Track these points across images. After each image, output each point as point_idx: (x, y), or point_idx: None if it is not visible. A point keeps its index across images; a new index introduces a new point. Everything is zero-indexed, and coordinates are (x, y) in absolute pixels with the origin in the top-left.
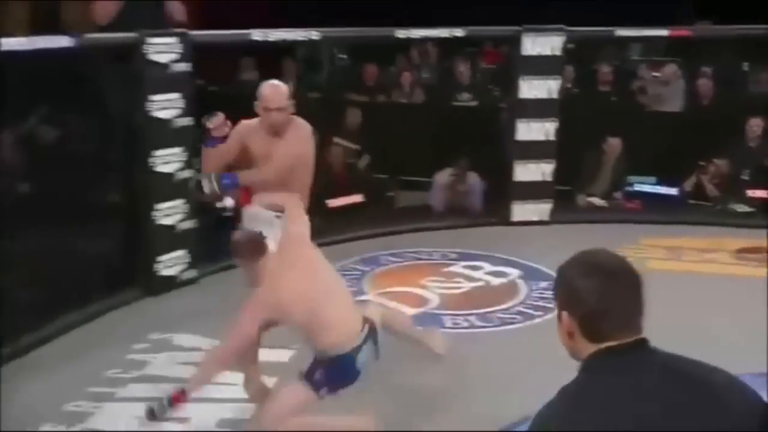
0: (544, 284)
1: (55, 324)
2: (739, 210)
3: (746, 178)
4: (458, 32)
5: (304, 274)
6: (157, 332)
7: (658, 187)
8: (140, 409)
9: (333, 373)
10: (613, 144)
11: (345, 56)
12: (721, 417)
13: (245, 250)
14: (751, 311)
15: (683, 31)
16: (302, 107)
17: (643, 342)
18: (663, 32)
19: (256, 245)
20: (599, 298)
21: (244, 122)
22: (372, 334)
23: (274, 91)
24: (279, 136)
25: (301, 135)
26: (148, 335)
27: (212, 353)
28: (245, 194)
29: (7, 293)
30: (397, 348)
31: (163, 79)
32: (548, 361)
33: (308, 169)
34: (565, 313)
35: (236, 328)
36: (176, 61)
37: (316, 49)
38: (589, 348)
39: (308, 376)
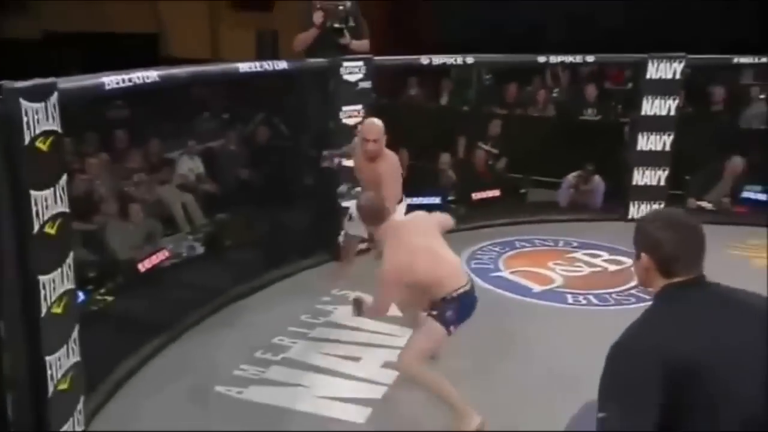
0: None
1: (266, 276)
2: None
3: None
4: (590, 58)
5: (417, 236)
6: (338, 289)
7: (764, 195)
8: (324, 347)
9: (461, 309)
10: (736, 163)
11: (490, 77)
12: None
13: (368, 214)
14: None
15: None
16: (454, 118)
17: (704, 278)
18: None
19: (378, 210)
20: (674, 244)
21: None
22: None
23: (370, 126)
24: (373, 161)
25: (389, 162)
26: (332, 291)
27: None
28: None
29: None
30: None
31: (352, 94)
32: None
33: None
34: (644, 255)
35: (378, 296)
36: (362, 80)
37: (467, 71)
38: (662, 282)
39: (440, 317)
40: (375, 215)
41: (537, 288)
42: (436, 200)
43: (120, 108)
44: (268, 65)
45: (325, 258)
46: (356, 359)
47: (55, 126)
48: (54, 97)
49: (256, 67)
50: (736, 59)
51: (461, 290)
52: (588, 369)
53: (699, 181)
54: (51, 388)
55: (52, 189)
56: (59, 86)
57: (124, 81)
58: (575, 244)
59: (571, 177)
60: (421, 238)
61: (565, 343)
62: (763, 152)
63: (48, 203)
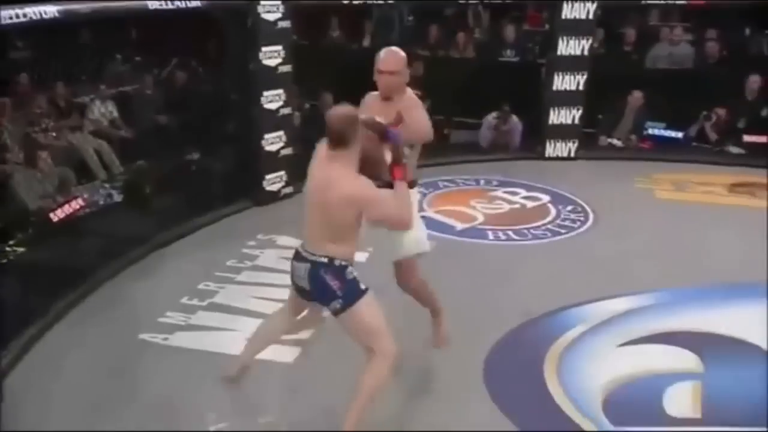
0: (569, 208)
1: (189, 224)
2: (734, 152)
3: (742, 125)
4: None
5: None
6: (263, 234)
7: (668, 132)
8: (252, 291)
9: None
10: (636, 96)
11: (412, 18)
12: None
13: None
14: (739, 232)
15: (698, 1)
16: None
17: None
18: (680, 1)
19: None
20: None
21: (371, 93)
22: None
23: (388, 55)
24: (391, 100)
25: (412, 103)
26: (257, 236)
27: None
28: None
29: (154, 199)
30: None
31: (271, 34)
32: (568, 268)
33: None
34: None
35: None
36: (280, 19)
37: (389, 12)
38: None
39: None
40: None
41: (460, 226)
42: None
43: (22, 49)
44: (180, 2)
45: (248, 204)
46: (283, 301)
47: None
48: None
49: (167, 4)
50: (643, 0)
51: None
52: (508, 299)
53: (608, 119)
54: None
55: None
56: None
57: (17, 16)
58: (495, 183)
59: (491, 117)
60: None
61: (485, 276)
62: (666, 90)
63: None
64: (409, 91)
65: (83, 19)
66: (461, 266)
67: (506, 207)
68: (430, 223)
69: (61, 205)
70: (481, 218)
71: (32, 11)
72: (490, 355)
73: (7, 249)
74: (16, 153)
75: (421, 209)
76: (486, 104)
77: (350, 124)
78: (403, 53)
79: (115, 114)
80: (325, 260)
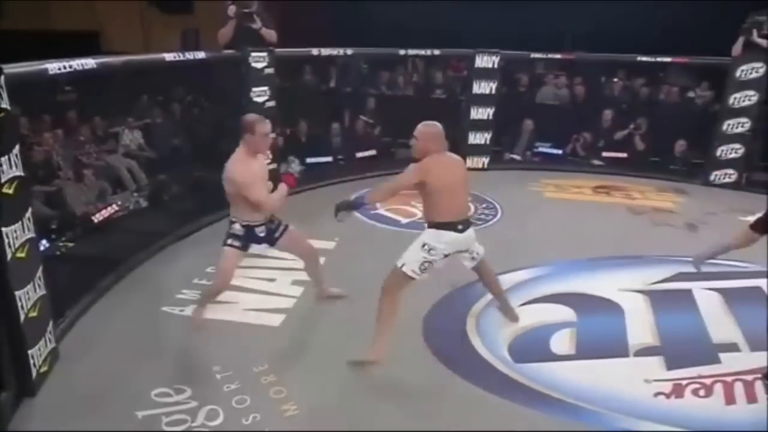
0: (484, 205)
1: (198, 222)
2: (596, 163)
3: (601, 145)
4: (437, 52)
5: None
6: None
7: (551, 149)
8: (248, 273)
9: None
10: (528, 123)
11: (366, 66)
12: None
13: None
14: (602, 220)
15: (570, 56)
16: (340, 97)
17: None
18: (557, 56)
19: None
20: None
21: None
22: None
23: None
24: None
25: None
26: None
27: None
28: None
29: (172, 204)
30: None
31: (259, 78)
32: (486, 249)
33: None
34: None
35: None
36: (266, 67)
37: (350, 61)
38: None
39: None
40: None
41: (404, 220)
42: (329, 159)
43: (70, 92)
44: (190, 55)
45: None
46: (272, 279)
47: (4, 104)
48: (1, 80)
49: (179, 57)
50: (532, 55)
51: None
52: (440, 274)
53: (510, 140)
54: (22, 316)
55: (7, 156)
56: (5, 71)
57: (65, 67)
58: None
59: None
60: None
61: None
62: (550, 119)
63: (4, 168)
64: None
65: (115, 69)
66: (404, 250)
67: None
68: (380, 217)
69: (100, 210)
70: (419, 214)
71: (76, 63)
72: (427, 315)
73: (60, 244)
74: (66, 171)
75: (374, 207)
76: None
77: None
78: (429, 127)
79: (141, 140)
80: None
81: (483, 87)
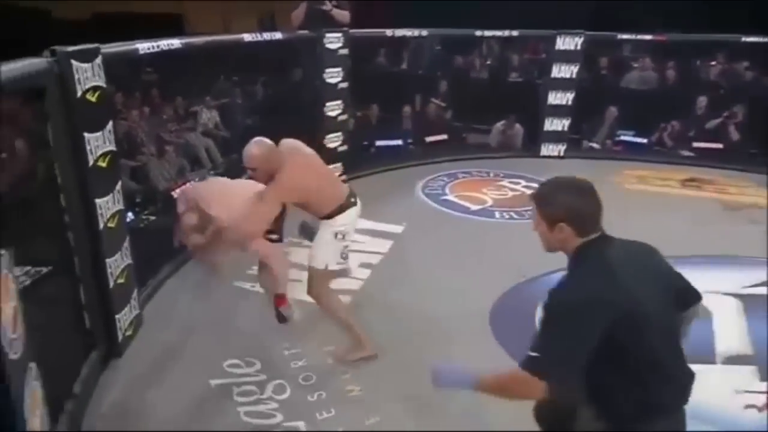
0: None
1: None
2: (685, 154)
3: (692, 134)
4: (514, 33)
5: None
6: None
7: (635, 138)
8: None
9: None
10: (612, 110)
11: (440, 47)
12: (657, 271)
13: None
14: (691, 216)
15: (661, 37)
16: (412, 79)
17: (605, 234)
18: (647, 37)
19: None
20: (588, 207)
21: None
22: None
23: (247, 152)
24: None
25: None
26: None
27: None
28: None
29: None
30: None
31: (333, 59)
32: None
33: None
34: (562, 224)
35: (263, 209)
36: (341, 48)
37: (423, 43)
38: (578, 241)
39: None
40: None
41: (474, 207)
42: (399, 142)
43: (154, 72)
44: (267, 36)
45: None
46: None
47: (100, 82)
48: (98, 59)
49: (257, 37)
50: (619, 36)
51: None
52: (509, 264)
53: (590, 128)
54: (111, 282)
55: (101, 132)
56: (102, 50)
57: (153, 47)
58: (502, 175)
59: (499, 124)
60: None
61: (492, 246)
62: (635, 105)
63: (99, 143)
64: (286, 170)
65: (198, 48)
66: (474, 238)
67: (510, 193)
68: (451, 204)
69: (179, 186)
70: (490, 201)
71: (164, 44)
72: (494, 306)
73: (143, 217)
74: (149, 148)
75: (444, 194)
76: (495, 114)
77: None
78: (261, 148)
79: (218, 119)
80: None
81: (563, 70)
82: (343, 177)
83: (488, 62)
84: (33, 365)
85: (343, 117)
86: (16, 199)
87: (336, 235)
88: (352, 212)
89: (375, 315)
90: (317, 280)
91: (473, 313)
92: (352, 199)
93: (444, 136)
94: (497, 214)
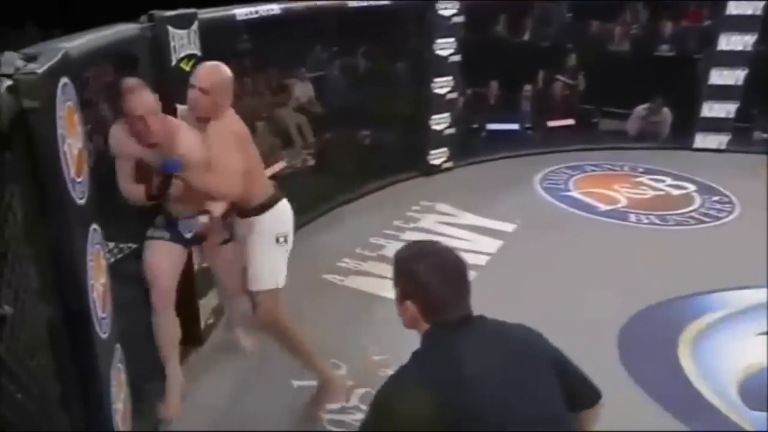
0: (715, 198)
1: (365, 187)
2: None
3: None
4: None
5: None
6: (425, 200)
7: None
8: None
9: None
10: None
11: (571, 14)
12: (532, 370)
13: None
14: None
15: None
16: (533, 53)
17: (470, 316)
18: None
19: None
20: (441, 286)
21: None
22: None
23: (203, 70)
24: (204, 123)
25: (225, 135)
26: (420, 202)
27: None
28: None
29: (339, 165)
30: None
31: (445, 27)
32: (709, 255)
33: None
34: (408, 302)
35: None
36: (455, 15)
37: (549, 9)
38: (425, 325)
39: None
40: None
41: (603, 207)
42: (515, 126)
43: (247, 40)
44: (373, 1)
45: (414, 174)
46: None
47: (195, 50)
48: (195, 25)
49: (362, 3)
50: None
51: None
52: (644, 279)
53: (763, 114)
54: (196, 266)
55: None
56: (199, 16)
57: (252, 13)
58: (641, 170)
59: (641, 108)
60: None
61: (623, 256)
62: None
63: None
64: (231, 119)
65: (297, 15)
66: (601, 244)
67: (650, 193)
68: (572, 201)
69: (269, 165)
70: (624, 201)
71: (262, 9)
72: (623, 330)
73: None
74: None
75: (566, 189)
76: (637, 95)
77: None
78: (225, 72)
79: (312, 94)
80: None
81: (733, 42)
82: (449, 164)
83: (632, 31)
84: (118, 346)
85: (452, 95)
86: (105, 174)
87: (277, 239)
88: (285, 205)
89: None
90: (269, 304)
91: (597, 336)
92: (281, 193)
93: (570, 121)
94: (632, 217)
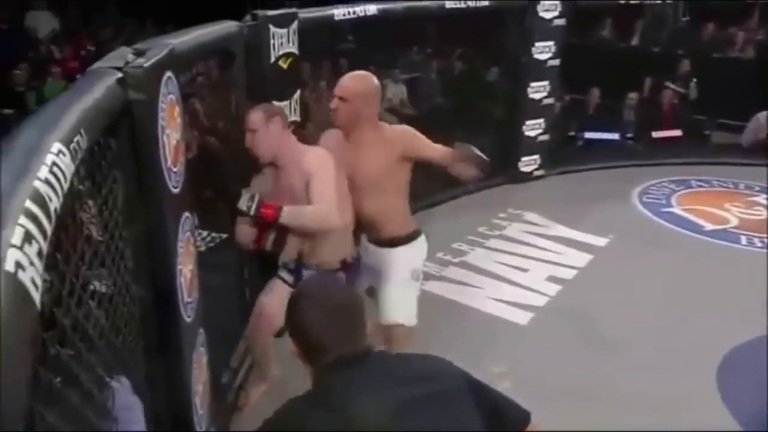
0: None
1: (452, 191)
2: None
3: None
4: None
5: None
6: (513, 208)
7: None
8: (497, 257)
9: None
10: None
11: (687, 18)
12: (434, 383)
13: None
14: None
15: None
16: (641, 58)
17: (361, 355)
18: None
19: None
20: (321, 327)
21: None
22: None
23: (346, 78)
24: (347, 135)
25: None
26: (507, 209)
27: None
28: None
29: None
30: None
31: (545, 30)
32: None
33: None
34: (292, 336)
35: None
36: (557, 17)
37: (663, 10)
38: (309, 366)
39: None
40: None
41: (709, 226)
42: (615, 136)
43: (345, 41)
44: (472, 2)
45: (504, 181)
46: (524, 270)
47: (294, 49)
48: (294, 25)
49: (460, 4)
50: None
51: None
52: (752, 308)
53: None
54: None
55: (288, 101)
56: (300, 15)
57: (349, 13)
58: (757, 189)
59: (761, 116)
60: None
61: (730, 280)
62: None
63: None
64: (383, 129)
65: (393, 16)
66: (704, 265)
67: (765, 213)
68: (676, 219)
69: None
70: (734, 222)
71: (359, 9)
72: (724, 362)
73: None
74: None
75: (668, 205)
76: (758, 107)
77: None
78: (368, 81)
79: (404, 95)
80: None
81: None
82: (541, 172)
83: (758, 36)
84: (202, 331)
85: (549, 101)
86: (200, 164)
87: (414, 274)
88: (426, 243)
89: (559, 343)
90: (402, 343)
91: (692, 367)
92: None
93: (677, 132)
94: (743, 240)
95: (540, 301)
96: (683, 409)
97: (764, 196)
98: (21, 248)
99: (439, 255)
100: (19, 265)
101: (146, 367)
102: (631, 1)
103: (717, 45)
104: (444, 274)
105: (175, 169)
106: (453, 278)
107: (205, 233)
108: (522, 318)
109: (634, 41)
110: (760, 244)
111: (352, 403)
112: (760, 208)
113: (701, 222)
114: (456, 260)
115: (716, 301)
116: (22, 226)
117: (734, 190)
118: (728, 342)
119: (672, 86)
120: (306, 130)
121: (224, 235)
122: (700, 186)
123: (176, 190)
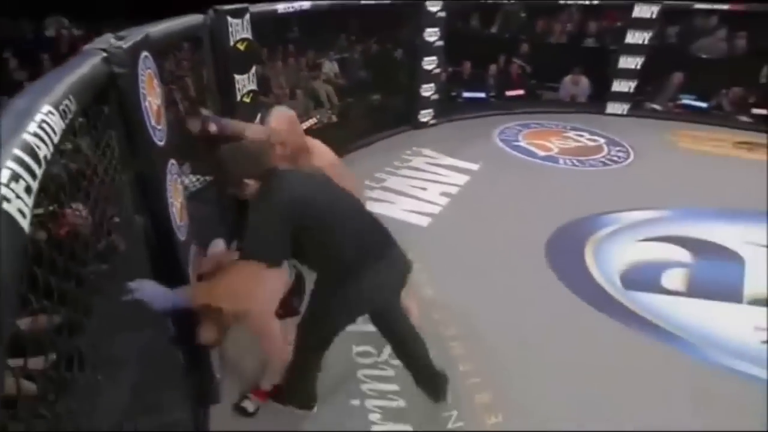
0: (618, 148)
1: (372, 138)
2: (743, 120)
3: (752, 101)
4: (595, 1)
5: None
6: (416, 147)
7: (696, 102)
8: (406, 181)
9: None
10: (677, 76)
11: (525, 15)
12: (346, 194)
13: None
14: (737, 174)
15: (739, 7)
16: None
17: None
18: (724, 6)
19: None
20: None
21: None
22: None
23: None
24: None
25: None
26: (411, 148)
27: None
28: None
29: (355, 121)
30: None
31: (432, 21)
32: (612, 187)
33: None
34: (250, 180)
35: None
36: (440, 11)
37: (511, 8)
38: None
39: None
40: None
41: (541, 153)
42: (482, 95)
43: (292, 30)
44: (380, 1)
45: (408, 128)
46: (424, 189)
47: (248, 35)
48: (247, 16)
49: (371, 2)
50: (695, 5)
51: None
52: (566, 204)
53: (654, 91)
54: None
55: (246, 75)
56: (250, 9)
57: (287, 8)
58: (568, 127)
59: (567, 78)
60: None
61: (553, 188)
62: (700, 72)
63: (245, 83)
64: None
65: (321, 10)
66: (539, 181)
67: (573, 144)
68: (522, 149)
69: (305, 121)
70: (556, 150)
71: (297, 5)
72: (549, 239)
73: None
74: (284, 90)
75: (517, 140)
76: (566, 72)
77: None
78: (282, 117)
79: (337, 70)
80: None
81: (636, 37)
82: (434, 121)
83: (567, 28)
84: (194, 247)
85: (437, 71)
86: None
87: None
88: None
89: (449, 237)
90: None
91: (531, 242)
92: None
93: (522, 92)
94: (561, 161)
95: (435, 210)
96: (519, 273)
97: (573, 132)
98: (8, 185)
99: (366, 182)
100: (5, 198)
101: (154, 275)
102: (489, 1)
103: (545, 34)
104: (370, 195)
105: (159, 127)
106: (378, 198)
107: (194, 178)
108: (424, 222)
109: (494, 30)
110: (570, 164)
111: (297, 179)
112: (570, 140)
113: (537, 151)
114: (378, 185)
115: (546, 201)
116: (9, 168)
117: (555, 128)
118: (552, 225)
119: (518, 61)
120: (267, 99)
121: (209, 178)
122: (535, 127)
123: (161, 143)
